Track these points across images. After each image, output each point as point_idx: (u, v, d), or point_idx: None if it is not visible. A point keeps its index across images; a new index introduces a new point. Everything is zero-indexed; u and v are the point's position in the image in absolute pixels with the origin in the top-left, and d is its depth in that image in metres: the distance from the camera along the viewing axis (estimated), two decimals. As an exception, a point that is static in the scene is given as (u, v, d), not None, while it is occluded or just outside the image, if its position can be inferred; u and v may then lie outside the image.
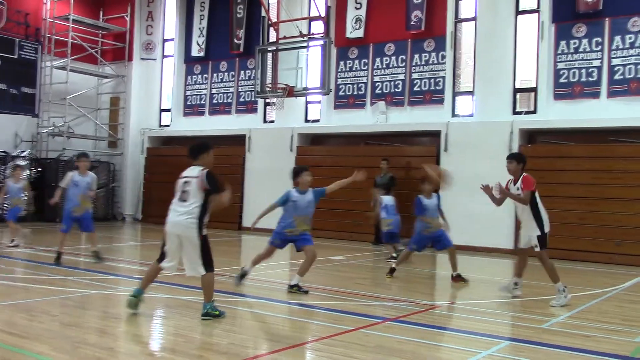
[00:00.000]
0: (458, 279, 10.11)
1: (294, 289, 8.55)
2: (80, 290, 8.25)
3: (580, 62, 14.61)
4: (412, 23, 16.62)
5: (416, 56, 16.82)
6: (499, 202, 8.71)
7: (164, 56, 22.39)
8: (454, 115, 16.26)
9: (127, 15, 22.07)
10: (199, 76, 21.27)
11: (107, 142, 22.45)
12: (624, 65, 14.07)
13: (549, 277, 8.33)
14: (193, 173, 6.70)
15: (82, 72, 21.33)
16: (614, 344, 6.21)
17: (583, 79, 14.56)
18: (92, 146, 22.17)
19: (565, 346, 6.01)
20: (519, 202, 8.44)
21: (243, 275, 9.08)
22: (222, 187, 6.73)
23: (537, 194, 8.47)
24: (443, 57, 16.36)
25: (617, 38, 14.16)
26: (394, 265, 10.44)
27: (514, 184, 8.58)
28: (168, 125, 22.03)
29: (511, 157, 8.82)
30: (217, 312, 6.71)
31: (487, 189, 8.60)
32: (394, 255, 12.53)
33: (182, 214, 6.57)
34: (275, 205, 8.81)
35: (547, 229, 8.33)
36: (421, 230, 10.31)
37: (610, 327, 6.97)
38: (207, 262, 6.61)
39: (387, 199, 12.90)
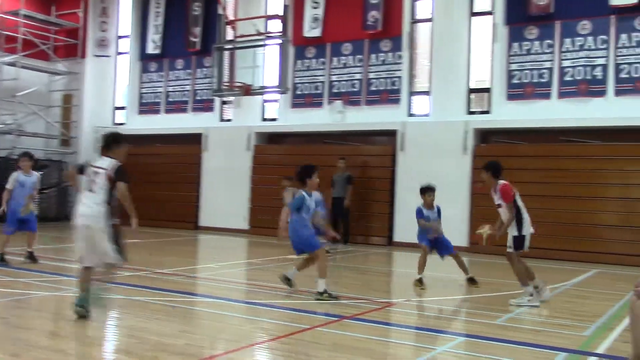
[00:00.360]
0: (470, 282, 9.73)
1: (324, 295, 7.99)
2: (31, 292, 8.05)
3: (532, 63, 14.94)
4: (369, 23, 16.74)
5: (373, 56, 16.94)
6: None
7: (118, 53, 21.99)
8: (410, 114, 16.44)
9: (80, 11, 21.60)
10: (155, 74, 20.97)
11: (59, 140, 21.95)
12: (574, 67, 14.45)
13: (518, 280, 8.21)
14: (104, 164, 6.62)
15: (33, 68, 20.77)
16: (563, 338, 6.38)
17: (535, 80, 14.90)
18: (43, 144, 21.63)
19: (518, 341, 6.15)
20: (509, 223, 8.16)
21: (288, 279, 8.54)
22: (128, 179, 6.63)
23: (517, 197, 8.31)
24: (399, 57, 16.52)
25: (567, 40, 14.54)
26: (419, 276, 9.67)
27: (495, 193, 8.35)
28: (123, 124, 21.65)
29: (482, 168, 8.55)
30: (100, 298, 6.58)
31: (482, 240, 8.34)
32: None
33: (90, 205, 6.50)
34: (290, 209, 8.38)
35: (525, 232, 8.17)
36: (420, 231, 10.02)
37: (560, 322, 7.16)
38: (119, 249, 6.51)
39: (317, 195, 12.96)
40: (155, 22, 20.65)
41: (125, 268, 10.33)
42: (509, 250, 8.15)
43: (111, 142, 6.83)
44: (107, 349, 5.83)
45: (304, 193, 8.30)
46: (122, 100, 21.87)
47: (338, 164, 15.68)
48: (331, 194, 15.57)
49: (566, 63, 14.54)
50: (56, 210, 20.76)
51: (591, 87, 14.23)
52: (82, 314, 6.43)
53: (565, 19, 14.55)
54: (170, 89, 20.61)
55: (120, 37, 21.90)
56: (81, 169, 6.83)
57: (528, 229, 8.21)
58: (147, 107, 21.11)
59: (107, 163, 6.61)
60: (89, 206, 6.48)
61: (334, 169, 15.79)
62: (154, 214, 18.06)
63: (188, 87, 20.22)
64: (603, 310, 7.94)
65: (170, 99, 20.60)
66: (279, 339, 6.04)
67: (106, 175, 6.52)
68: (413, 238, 15.47)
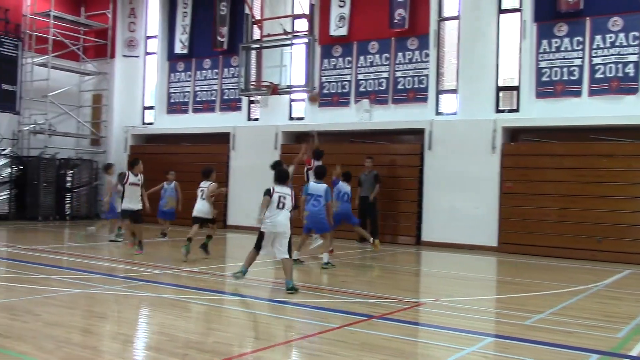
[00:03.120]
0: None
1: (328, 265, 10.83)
2: (64, 289, 8.18)
3: (561, 61, 14.74)
4: (395, 21, 16.66)
5: (400, 54, 16.86)
6: None
7: (146, 53, 22.23)
8: (437, 113, 16.32)
9: (109, 12, 21.88)
10: (182, 74, 21.16)
11: (89, 139, 22.28)
12: (605, 64, 14.22)
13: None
14: (288, 191, 9.17)
15: (63, 69, 21.12)
16: (595, 340, 6.28)
17: (565, 78, 14.69)
18: (74, 144, 21.99)
19: (548, 342, 6.07)
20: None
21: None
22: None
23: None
24: (426, 55, 16.43)
25: (598, 37, 14.30)
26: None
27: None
28: (151, 123, 21.89)
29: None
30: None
31: None
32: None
33: (283, 218, 8.87)
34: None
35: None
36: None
37: (592, 323, 7.05)
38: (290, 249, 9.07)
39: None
40: (183, 22, 20.83)
41: (155, 266, 10.47)
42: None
43: (285, 178, 9.42)
44: (138, 346, 5.90)
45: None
46: (151, 100, 22.11)
47: (365, 163, 15.66)
48: (359, 193, 15.53)
49: (597, 60, 14.31)
50: (87, 208, 21.07)
51: (623, 85, 13.99)
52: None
53: (596, 15, 14.32)
54: (198, 88, 20.77)
55: (148, 37, 22.16)
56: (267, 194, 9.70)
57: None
58: (175, 107, 21.31)
59: (288, 190, 9.15)
60: (284, 219, 8.91)
61: (361, 168, 15.76)
62: (182, 212, 18.18)
63: (215, 87, 20.36)
64: (637, 312, 7.81)
65: (198, 99, 20.76)
66: (308, 337, 6.05)
67: (292, 197, 9.17)
68: (442, 237, 15.49)
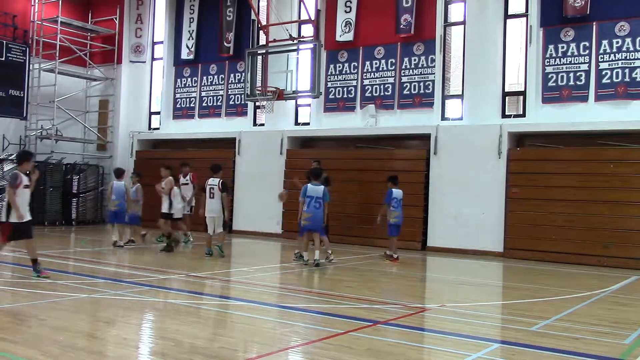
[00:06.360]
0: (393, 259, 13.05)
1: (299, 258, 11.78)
2: (69, 294, 8.19)
3: (568, 66, 14.71)
4: (401, 27, 16.67)
5: (406, 59, 16.87)
6: None
7: (153, 59, 22.32)
8: (443, 118, 16.30)
9: (116, 18, 22.00)
10: (189, 79, 21.22)
11: (96, 145, 22.36)
12: (612, 69, 14.18)
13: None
14: (215, 182, 12.27)
15: (70, 74, 21.22)
16: (603, 346, 6.24)
17: (571, 83, 14.66)
18: (80, 149, 22.06)
19: (555, 348, 6.03)
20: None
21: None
22: (227, 190, 12.63)
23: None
24: (432, 60, 16.42)
25: (605, 42, 14.27)
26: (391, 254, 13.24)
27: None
28: (157, 128, 21.94)
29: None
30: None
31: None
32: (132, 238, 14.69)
33: (213, 206, 12.28)
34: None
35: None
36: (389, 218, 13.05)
37: (600, 330, 7.01)
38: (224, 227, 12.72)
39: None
40: (189, 27, 20.90)
41: (161, 271, 10.47)
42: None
43: (217, 169, 12.58)
44: (143, 351, 5.89)
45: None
46: (157, 105, 22.17)
47: (312, 165, 14.91)
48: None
49: (603, 65, 14.28)
50: (93, 213, 21.11)
51: (630, 90, 13.95)
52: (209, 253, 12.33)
53: (602, 20, 14.29)
54: (204, 93, 20.83)
55: (155, 43, 22.25)
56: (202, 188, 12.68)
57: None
58: (181, 112, 21.36)
59: (216, 181, 12.33)
60: (213, 206, 12.28)
61: (366, 173, 15.74)
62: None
63: (221, 92, 20.40)
64: (644, 318, 7.75)
65: (204, 104, 20.81)
66: (313, 343, 6.03)
67: (217, 188, 12.16)
68: (447, 243, 15.45)
